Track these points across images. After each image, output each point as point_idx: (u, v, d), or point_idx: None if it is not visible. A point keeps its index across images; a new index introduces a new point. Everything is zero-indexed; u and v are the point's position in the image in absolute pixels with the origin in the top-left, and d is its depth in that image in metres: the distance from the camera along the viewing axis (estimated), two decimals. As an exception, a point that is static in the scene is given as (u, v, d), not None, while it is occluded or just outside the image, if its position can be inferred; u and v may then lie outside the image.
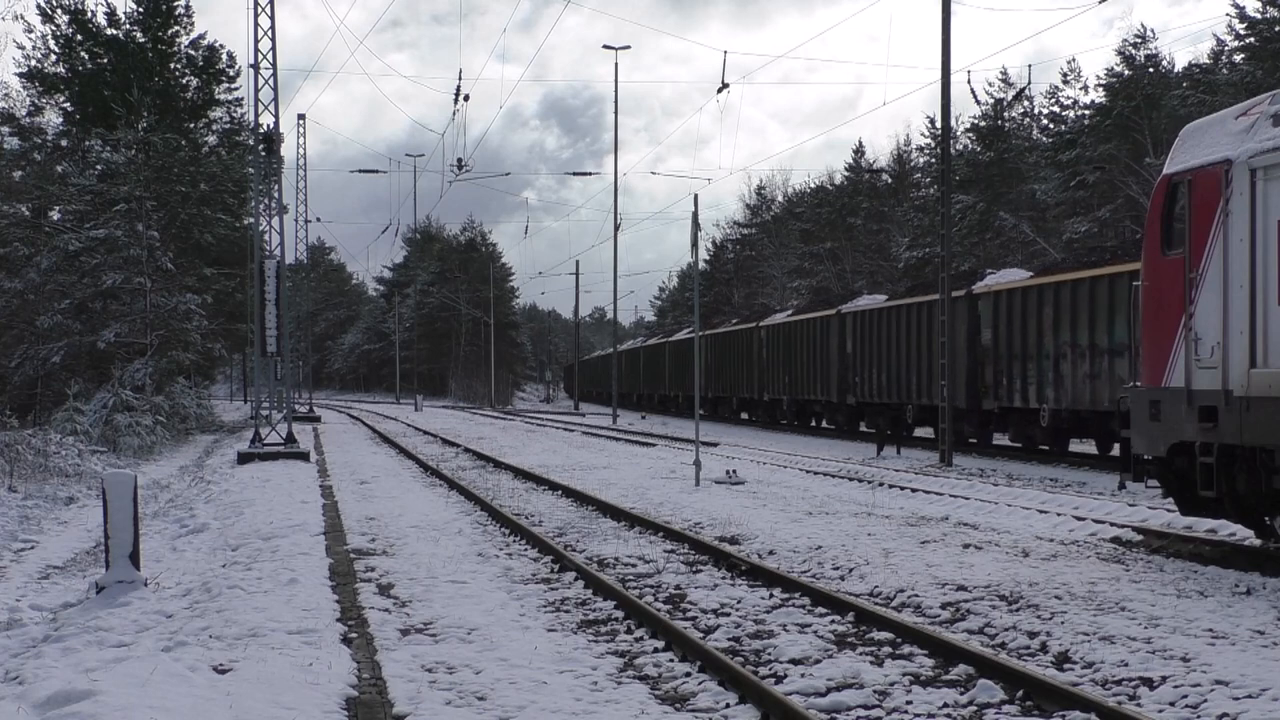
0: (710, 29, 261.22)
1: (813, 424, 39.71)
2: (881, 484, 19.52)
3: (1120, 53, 52.36)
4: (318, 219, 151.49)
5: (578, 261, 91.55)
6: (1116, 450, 19.29)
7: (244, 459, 26.76)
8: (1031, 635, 8.56)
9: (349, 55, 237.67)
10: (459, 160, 45.80)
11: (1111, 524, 14.08)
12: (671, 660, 8.18)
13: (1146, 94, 48.95)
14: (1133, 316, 13.03)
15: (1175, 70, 51.69)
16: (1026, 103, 61.37)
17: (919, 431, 31.83)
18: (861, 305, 35.24)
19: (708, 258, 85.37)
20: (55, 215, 40.76)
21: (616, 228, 55.92)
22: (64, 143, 44.95)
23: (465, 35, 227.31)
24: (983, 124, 61.04)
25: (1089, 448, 25.74)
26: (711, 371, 48.78)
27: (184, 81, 49.95)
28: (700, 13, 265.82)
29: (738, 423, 46.41)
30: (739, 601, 10.06)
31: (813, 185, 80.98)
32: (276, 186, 36.26)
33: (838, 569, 11.47)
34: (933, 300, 28.16)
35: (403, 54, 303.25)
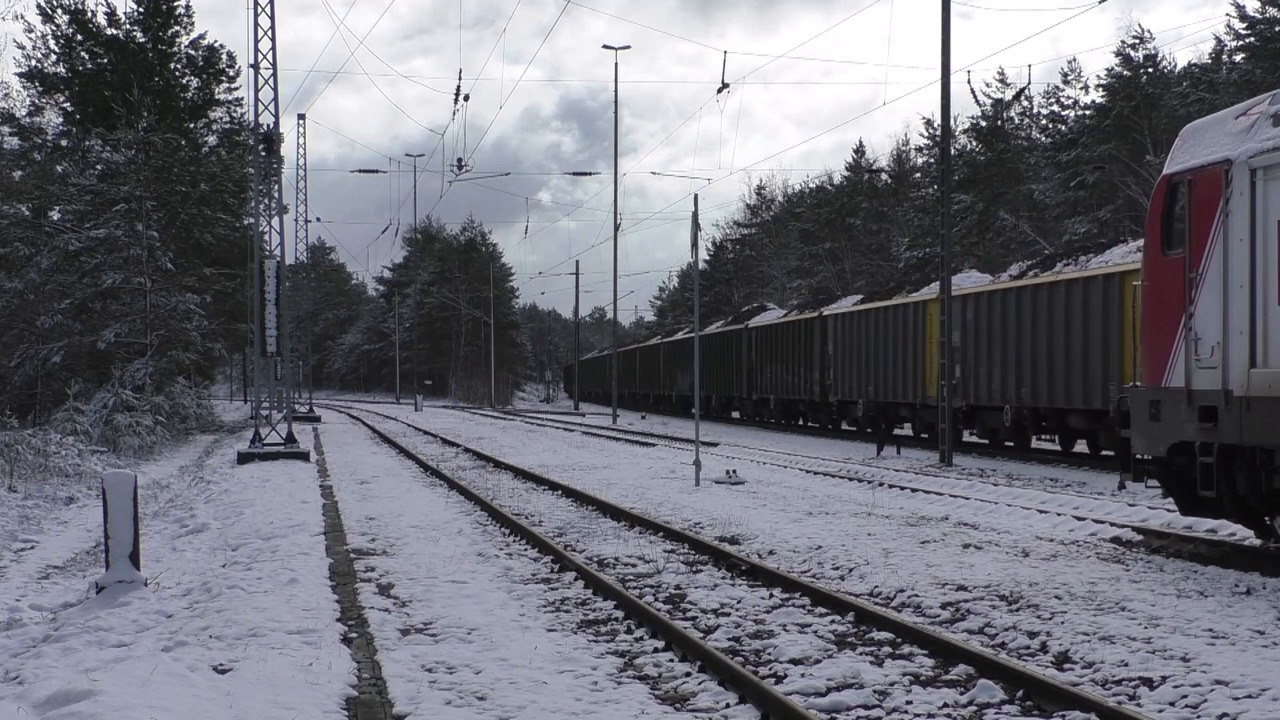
0: (731, 33, 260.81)
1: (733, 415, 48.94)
2: (881, 484, 19.52)
3: (1119, 53, 52.38)
4: (318, 219, 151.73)
5: (578, 261, 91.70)
6: (802, 421, 40.86)
7: (244, 459, 26.75)
8: (1031, 635, 8.56)
9: (350, 57, 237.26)
10: (459, 160, 45.83)
11: (1111, 524, 14.08)
12: (671, 660, 8.17)
13: (1146, 94, 48.96)
14: (1134, 316, 13.04)
15: (1175, 70, 51.69)
16: (1025, 103, 61.38)
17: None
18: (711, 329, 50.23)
19: (708, 258, 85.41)
20: (55, 215, 40.72)
21: (616, 227, 56.02)
22: (64, 143, 44.91)
23: (488, 39, 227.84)
24: (982, 124, 61.04)
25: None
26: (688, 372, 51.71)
27: (184, 81, 49.89)
28: (720, 16, 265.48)
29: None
30: (739, 601, 10.06)
31: (813, 185, 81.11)
32: (276, 186, 36.30)
33: (838, 569, 11.47)
34: (731, 330, 47.33)
35: (428, 59, 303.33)
